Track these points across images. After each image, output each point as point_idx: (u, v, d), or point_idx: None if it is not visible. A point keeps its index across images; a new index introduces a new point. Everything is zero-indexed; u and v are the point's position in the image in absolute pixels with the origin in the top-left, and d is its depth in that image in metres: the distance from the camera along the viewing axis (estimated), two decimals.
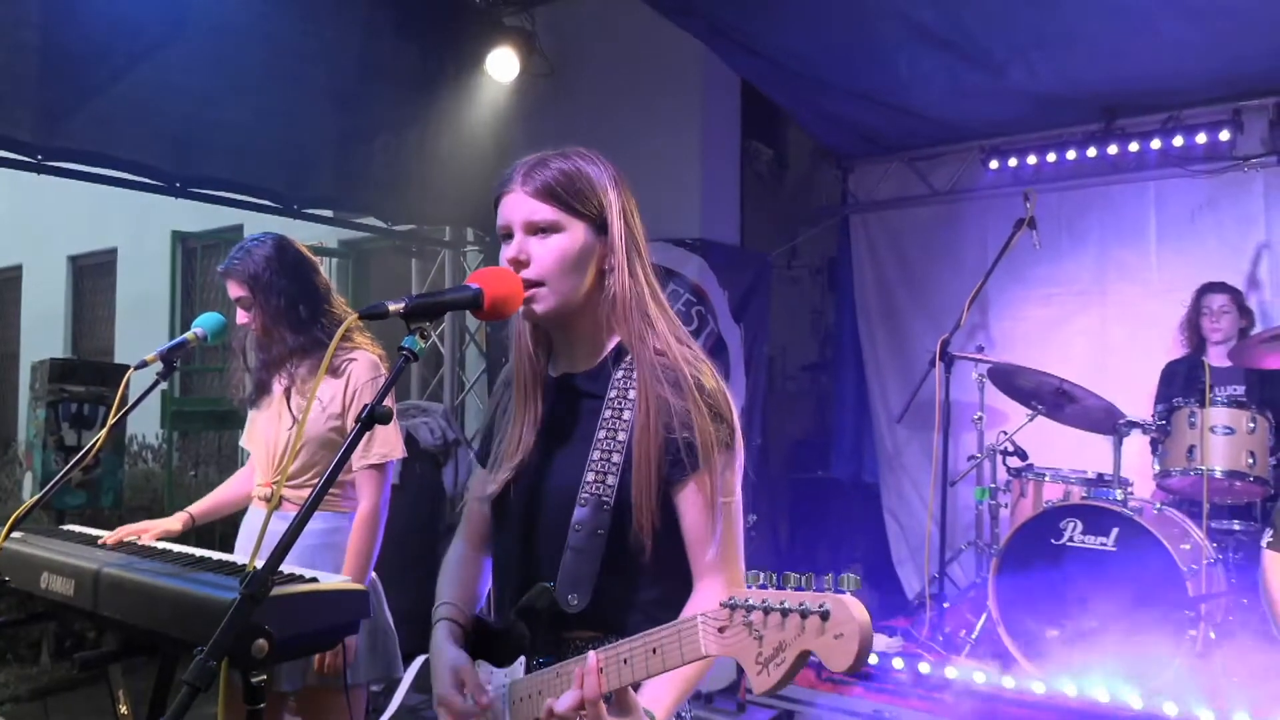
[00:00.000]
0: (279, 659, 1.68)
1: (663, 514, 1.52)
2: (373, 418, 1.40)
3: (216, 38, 4.32)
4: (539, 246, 1.53)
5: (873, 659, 4.10)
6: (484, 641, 1.65)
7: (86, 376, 5.73)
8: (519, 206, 1.54)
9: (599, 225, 1.56)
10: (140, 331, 8.83)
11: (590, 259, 1.56)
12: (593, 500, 1.51)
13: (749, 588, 1.19)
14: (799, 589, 1.15)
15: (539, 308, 1.54)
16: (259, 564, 2.15)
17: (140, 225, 8.42)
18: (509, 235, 1.56)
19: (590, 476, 1.52)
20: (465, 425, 5.99)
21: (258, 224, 6.01)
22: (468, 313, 1.51)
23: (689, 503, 1.52)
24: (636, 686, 1.40)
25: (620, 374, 1.57)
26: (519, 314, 1.58)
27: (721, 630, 1.19)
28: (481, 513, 1.75)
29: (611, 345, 1.61)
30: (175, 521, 2.76)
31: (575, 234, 1.54)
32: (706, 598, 1.51)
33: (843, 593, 1.11)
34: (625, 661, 1.32)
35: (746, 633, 1.15)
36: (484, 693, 1.55)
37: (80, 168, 4.24)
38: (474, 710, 1.54)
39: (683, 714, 1.60)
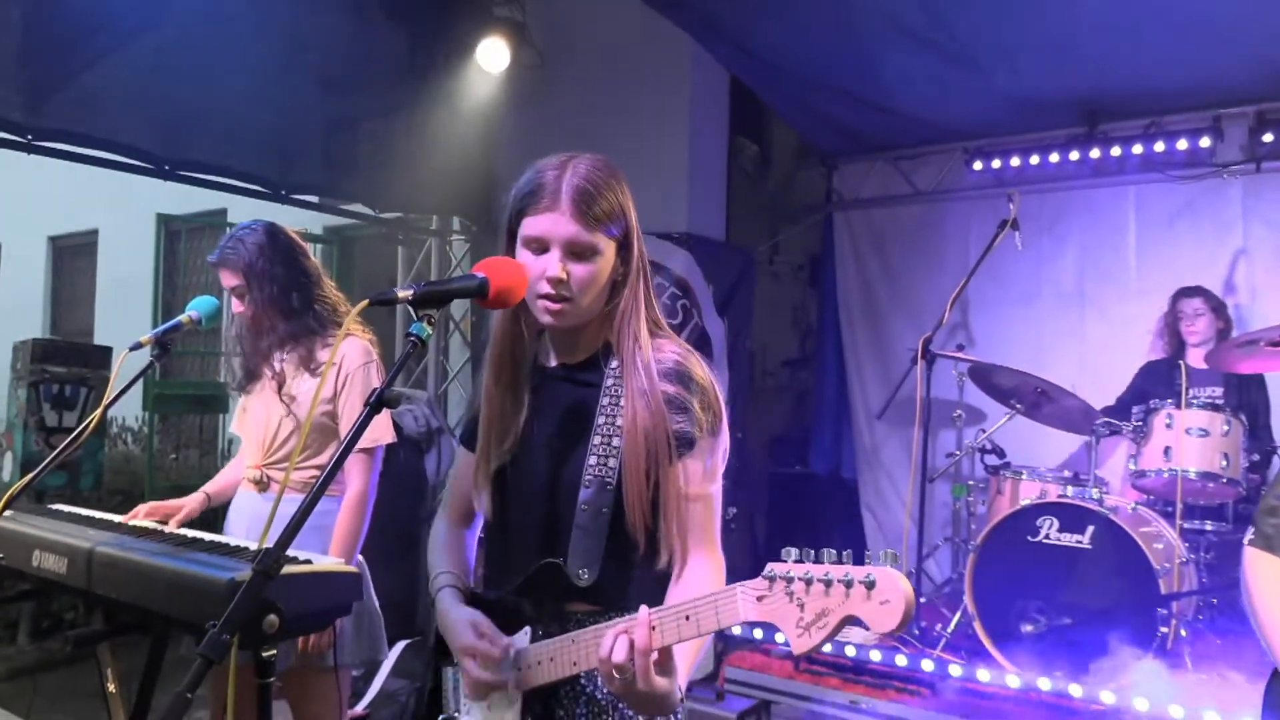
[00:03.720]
0: (242, 646, 1.71)
1: (656, 497, 1.61)
2: (381, 401, 1.43)
3: (205, 21, 4.31)
4: (577, 269, 1.58)
5: (850, 650, 4.17)
6: (482, 612, 1.70)
7: (68, 357, 5.72)
8: (564, 227, 1.57)
9: (623, 245, 1.64)
10: (120, 314, 8.77)
11: (612, 276, 1.64)
12: (596, 482, 1.60)
13: (785, 562, 1.31)
14: (837, 563, 1.28)
15: (564, 322, 1.62)
16: (252, 544, 2.19)
17: (122, 207, 8.35)
18: (543, 248, 1.59)
19: (593, 460, 1.61)
20: (448, 413, 6.01)
21: (241, 208, 5.99)
22: (451, 302, 1.55)
23: (677, 487, 1.61)
24: None
25: (615, 363, 1.65)
26: (514, 311, 1.64)
27: (760, 599, 1.32)
28: (467, 493, 1.81)
29: (605, 339, 1.69)
30: (194, 501, 2.78)
31: (609, 257, 1.62)
32: (697, 573, 1.62)
33: (885, 566, 1.24)
34: (654, 628, 1.41)
35: (788, 600, 1.29)
36: (501, 637, 1.62)
37: (69, 148, 4.22)
38: (498, 654, 1.60)
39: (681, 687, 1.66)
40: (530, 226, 1.59)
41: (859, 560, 1.26)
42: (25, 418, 5.52)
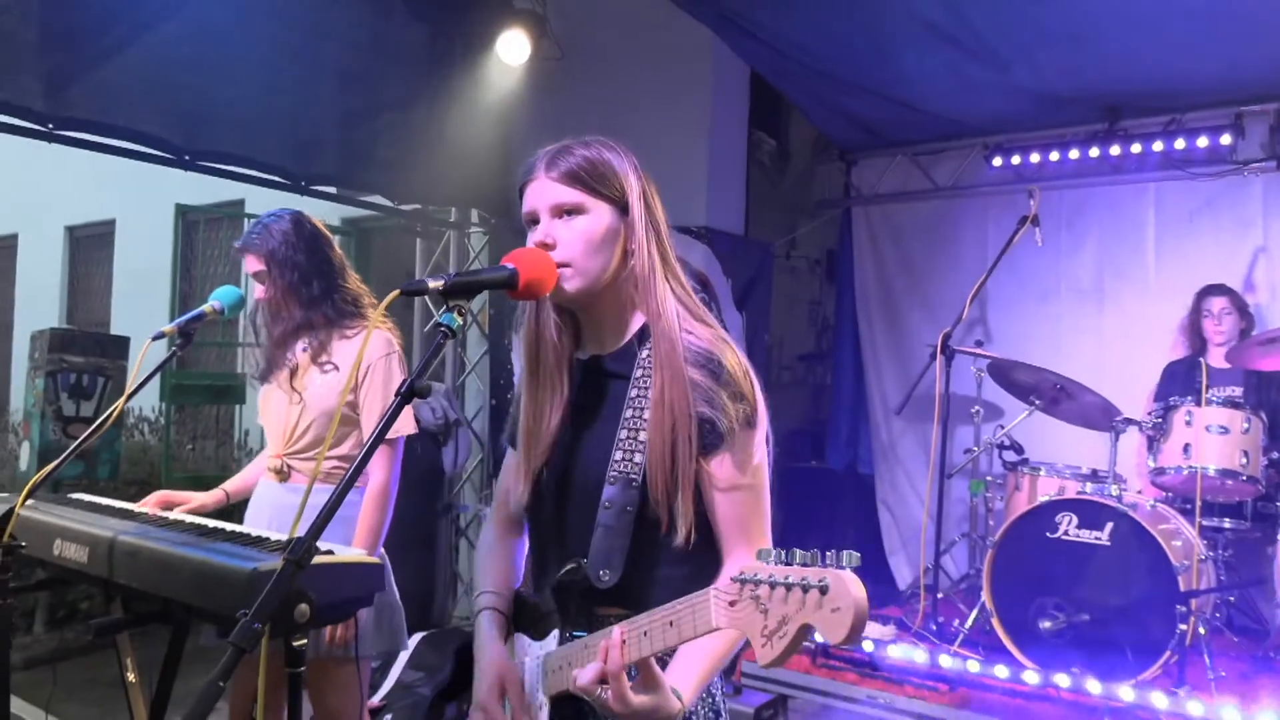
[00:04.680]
0: (272, 635, 1.71)
1: (687, 492, 1.53)
2: (412, 391, 1.43)
3: (225, 12, 4.30)
4: (565, 229, 1.57)
5: (868, 646, 4.16)
6: (522, 615, 1.70)
7: (86, 347, 5.73)
8: (544, 192, 1.58)
9: (622, 207, 1.60)
10: (137, 304, 8.80)
11: (615, 240, 1.59)
12: (621, 479, 1.54)
13: (760, 562, 1.20)
14: (805, 565, 1.15)
15: (568, 286, 1.57)
16: (273, 535, 2.19)
17: (139, 197, 8.36)
18: (535, 221, 1.60)
19: (619, 455, 1.56)
20: (465, 405, 6.02)
21: (260, 199, 6.01)
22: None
23: (711, 481, 1.55)
24: (663, 663, 1.43)
25: (645, 353, 1.59)
26: (540, 301, 1.62)
27: (732, 604, 1.22)
28: (513, 495, 1.78)
29: (637, 325, 1.64)
30: (210, 497, 2.80)
31: (600, 215, 1.58)
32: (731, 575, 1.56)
33: (843, 569, 1.12)
34: (645, 634, 1.35)
35: (754, 606, 1.18)
36: (526, 708, 1.59)
37: (91, 138, 4.23)
38: None
39: (713, 690, 1.63)
40: (523, 204, 1.62)
41: (864, 557, 1.11)
42: (43, 407, 5.53)
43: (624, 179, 1.61)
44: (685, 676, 1.45)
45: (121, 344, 5.88)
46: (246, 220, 6.31)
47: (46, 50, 3.94)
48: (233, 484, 2.96)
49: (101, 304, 9.96)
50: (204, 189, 5.74)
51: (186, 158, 4.58)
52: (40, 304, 10.20)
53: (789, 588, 1.14)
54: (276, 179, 5.03)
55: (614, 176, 1.60)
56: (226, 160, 4.74)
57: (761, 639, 1.16)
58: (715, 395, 1.54)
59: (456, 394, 5.98)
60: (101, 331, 7.75)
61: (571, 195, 1.57)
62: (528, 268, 1.51)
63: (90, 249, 10.29)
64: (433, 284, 1.47)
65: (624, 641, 1.36)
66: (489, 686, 1.61)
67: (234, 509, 2.91)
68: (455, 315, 1.47)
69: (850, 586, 1.09)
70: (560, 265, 1.55)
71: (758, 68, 5.64)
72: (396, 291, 1.50)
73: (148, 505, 2.64)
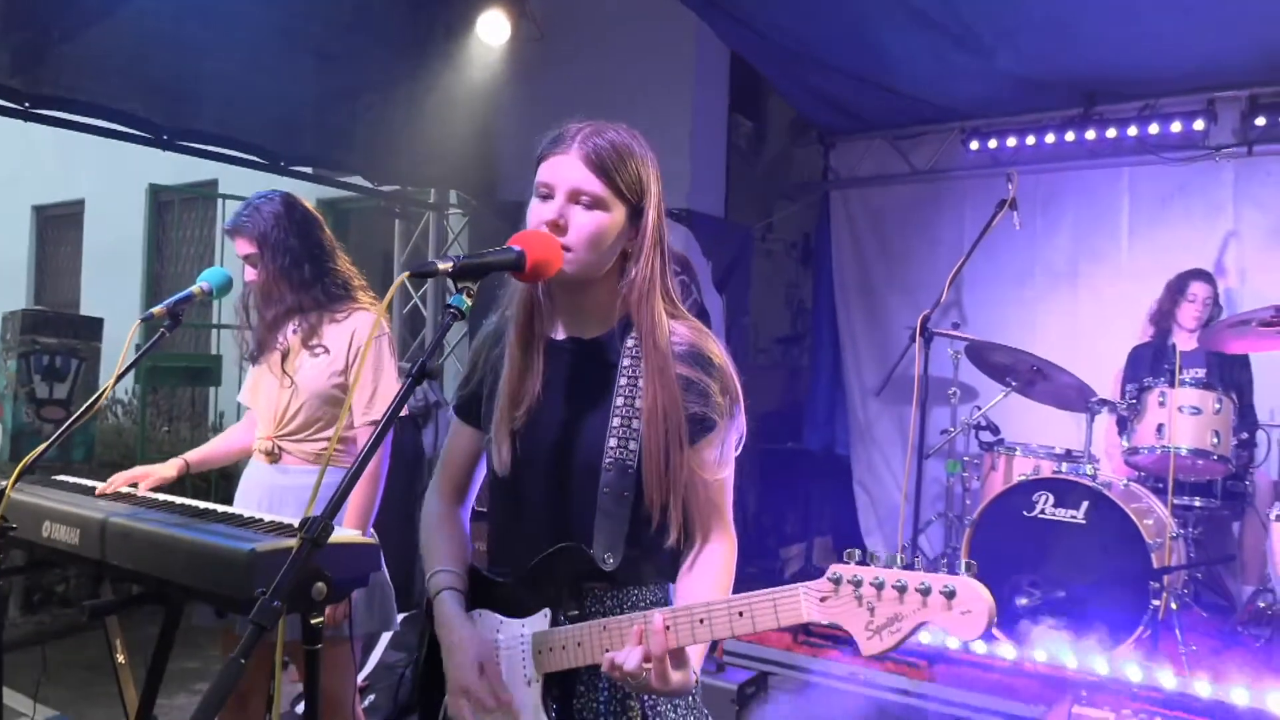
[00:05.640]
0: (289, 611, 1.72)
1: (679, 498, 1.60)
2: (424, 372, 1.44)
3: None
4: (579, 215, 1.56)
5: None
6: (486, 592, 1.69)
7: (59, 328, 5.67)
8: (570, 171, 1.56)
9: (636, 211, 1.61)
10: (107, 284, 8.70)
11: (621, 241, 1.61)
12: (617, 466, 1.58)
13: (848, 564, 1.32)
14: (907, 568, 1.29)
15: (565, 268, 1.57)
16: (264, 515, 2.20)
17: (109, 176, 8.27)
18: (549, 194, 1.58)
19: (613, 442, 1.59)
20: (445, 388, 6.01)
21: (234, 179, 5.95)
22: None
23: (697, 469, 1.60)
24: None
25: (632, 343, 1.62)
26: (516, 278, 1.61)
27: (823, 599, 1.33)
28: (464, 466, 1.81)
29: (621, 316, 1.65)
30: (170, 468, 2.77)
31: (616, 215, 1.58)
32: (713, 556, 1.64)
33: (963, 576, 1.25)
34: (702, 621, 1.41)
35: (856, 604, 1.30)
36: (505, 690, 1.59)
37: (67, 116, 4.18)
38: (494, 706, 1.57)
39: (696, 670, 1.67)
40: (541, 172, 1.58)
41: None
42: (15, 389, 5.48)
43: (647, 185, 1.61)
44: (694, 651, 1.51)
45: (95, 325, 5.81)
46: (220, 201, 6.25)
47: (15, 23, 3.87)
48: (194, 454, 2.92)
49: (70, 284, 9.84)
50: (176, 168, 5.69)
51: (165, 137, 4.53)
52: (8, 284, 10.05)
53: (902, 589, 1.27)
54: (255, 159, 4.99)
55: (640, 180, 1.60)
56: (205, 139, 4.70)
57: (867, 633, 1.29)
58: (707, 387, 1.59)
59: (436, 376, 5.97)
60: (73, 312, 7.66)
61: (596, 186, 1.56)
62: (535, 250, 1.52)
63: (59, 229, 10.15)
64: (442, 266, 1.48)
65: (669, 628, 1.42)
66: (469, 667, 1.59)
67: (215, 487, 2.89)
68: (464, 297, 1.48)
69: (980, 592, 1.23)
70: (563, 248, 1.56)
71: (739, 50, 5.65)
72: (406, 274, 1.51)
73: (115, 485, 2.61)
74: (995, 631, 4.13)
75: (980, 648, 4.03)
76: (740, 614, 1.39)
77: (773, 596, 1.37)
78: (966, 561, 1.27)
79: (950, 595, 1.23)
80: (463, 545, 1.79)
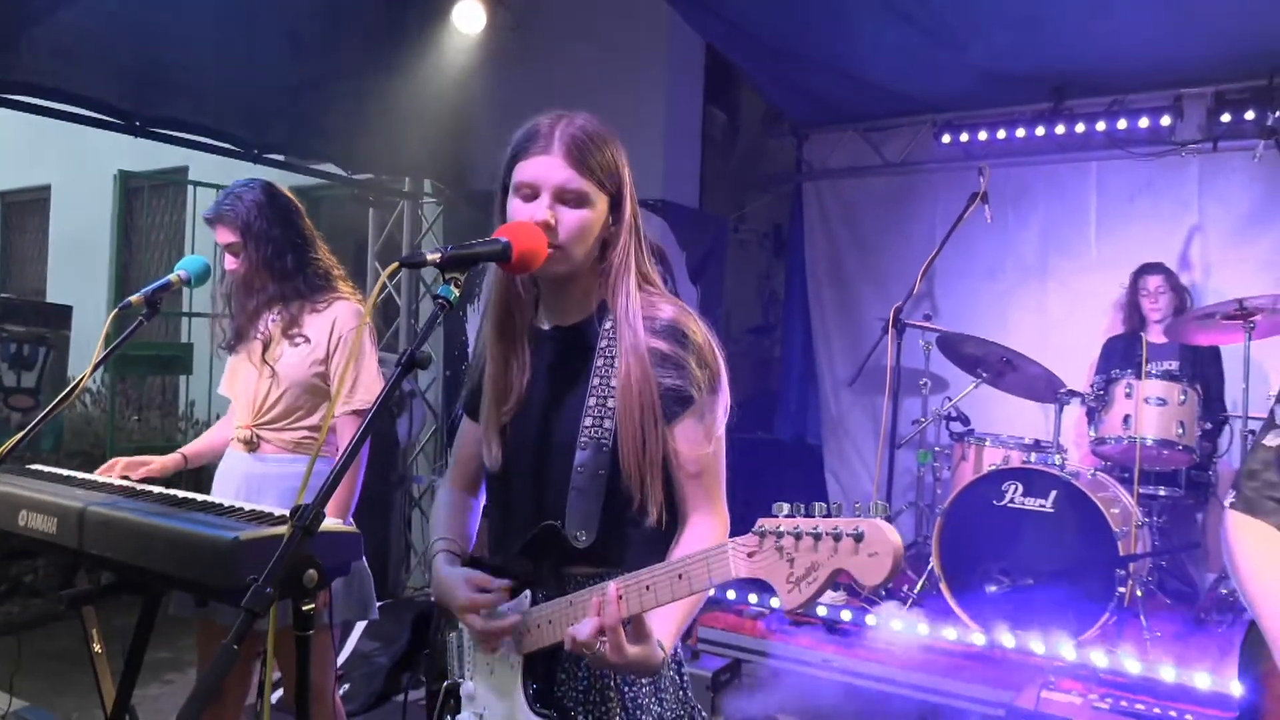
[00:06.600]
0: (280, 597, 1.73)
1: (658, 475, 1.62)
2: (413, 362, 1.45)
3: None
4: (567, 215, 1.59)
5: (821, 610, 4.27)
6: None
7: (27, 316, 5.59)
8: (554, 171, 1.58)
9: (615, 201, 1.64)
10: (74, 272, 8.59)
11: (603, 231, 1.64)
12: (592, 444, 1.61)
13: (776, 517, 1.29)
14: (826, 516, 1.26)
15: (551, 268, 1.61)
16: (244, 504, 2.20)
17: (75, 163, 8.15)
18: (532, 195, 1.60)
19: (588, 421, 1.62)
20: (419, 376, 6.00)
21: (204, 166, 5.89)
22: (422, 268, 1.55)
23: (677, 445, 1.63)
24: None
25: (609, 324, 1.65)
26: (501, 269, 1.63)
27: (750, 555, 1.31)
28: (473, 458, 1.84)
29: (597, 301, 1.69)
30: (170, 460, 2.77)
31: (599, 208, 1.61)
32: (700, 533, 1.63)
33: (875, 518, 1.22)
34: (648, 588, 1.42)
35: (778, 556, 1.27)
36: (495, 580, 1.63)
37: (37, 101, 4.12)
38: (497, 599, 1.62)
39: (676, 650, 1.69)
40: (522, 172, 1.60)
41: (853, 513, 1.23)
42: None
43: (623, 174, 1.65)
44: (664, 628, 1.52)
45: (64, 313, 5.74)
46: (191, 188, 6.18)
47: None
48: (191, 448, 2.94)
49: (36, 272, 9.70)
50: (145, 155, 5.61)
51: (136, 124, 4.47)
52: None
53: (817, 537, 1.24)
54: (227, 146, 4.95)
55: (617, 171, 1.64)
56: (176, 126, 4.64)
57: (788, 585, 1.27)
58: (683, 361, 1.61)
59: (425, 367, 5.96)
60: (41, 300, 7.56)
61: (581, 184, 1.59)
62: (520, 241, 1.53)
63: (24, 215, 10.00)
64: (430, 256, 1.49)
65: (621, 596, 1.43)
66: (463, 587, 1.64)
67: (191, 477, 2.88)
68: (452, 287, 1.49)
69: (886, 533, 1.20)
70: (552, 247, 1.58)
71: (714, 42, 5.67)
72: (395, 264, 1.52)
73: (111, 473, 2.61)
74: (965, 618, 4.20)
75: (951, 634, 4.10)
76: (680, 576, 1.39)
77: (706, 556, 1.37)
78: (876, 501, 1.25)
79: (859, 538, 1.21)
80: (464, 526, 1.84)
